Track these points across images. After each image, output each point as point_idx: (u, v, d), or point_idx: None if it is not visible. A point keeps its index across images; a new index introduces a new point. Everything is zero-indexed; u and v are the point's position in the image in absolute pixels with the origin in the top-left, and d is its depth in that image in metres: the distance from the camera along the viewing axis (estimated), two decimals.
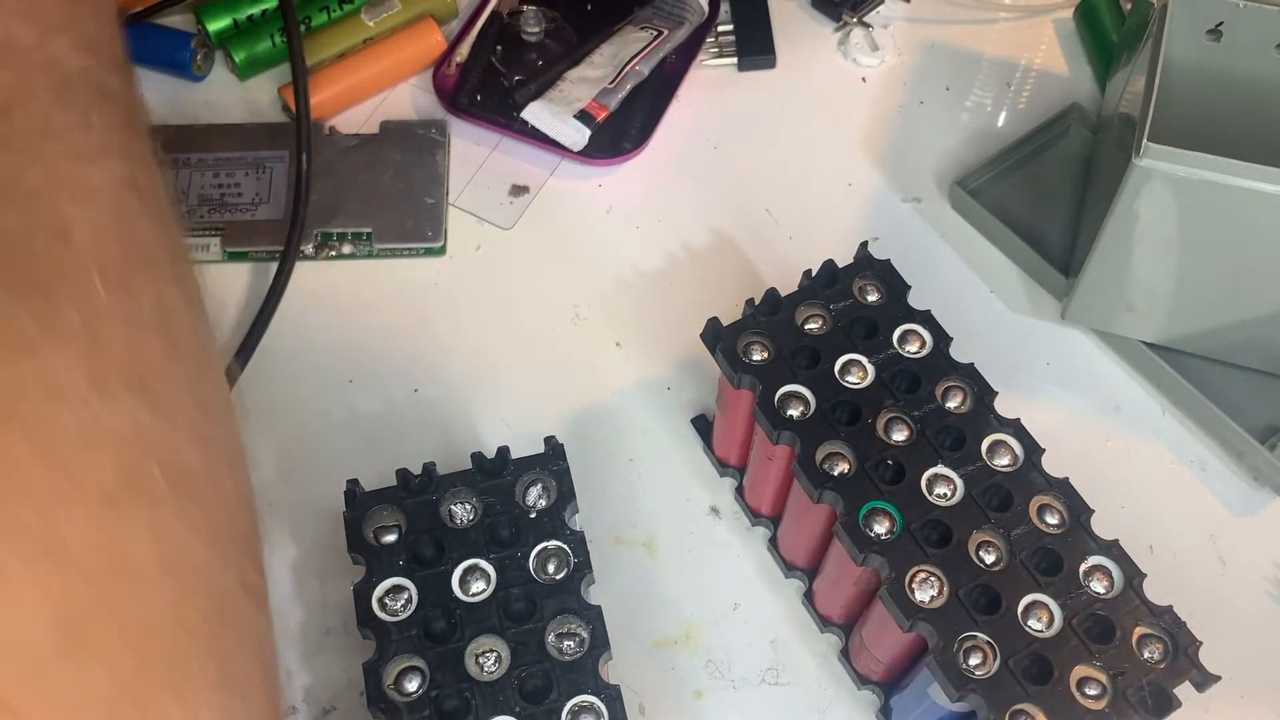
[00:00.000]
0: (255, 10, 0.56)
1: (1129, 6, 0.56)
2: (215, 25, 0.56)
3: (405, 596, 0.37)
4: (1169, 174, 0.40)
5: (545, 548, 0.38)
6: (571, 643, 0.36)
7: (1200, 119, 0.46)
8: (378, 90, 0.56)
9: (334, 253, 0.52)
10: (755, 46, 0.58)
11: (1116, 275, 0.45)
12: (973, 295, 0.51)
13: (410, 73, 0.57)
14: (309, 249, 0.51)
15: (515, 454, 0.39)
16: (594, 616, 0.36)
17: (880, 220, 0.53)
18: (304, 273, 0.51)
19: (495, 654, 0.36)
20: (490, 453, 0.40)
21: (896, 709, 0.41)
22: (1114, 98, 0.52)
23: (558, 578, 0.37)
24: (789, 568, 0.45)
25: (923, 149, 0.55)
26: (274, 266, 0.51)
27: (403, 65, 0.56)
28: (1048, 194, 0.53)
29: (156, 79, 0.57)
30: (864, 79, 0.58)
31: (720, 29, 0.58)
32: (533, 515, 0.38)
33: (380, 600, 0.37)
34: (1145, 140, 0.40)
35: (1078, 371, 0.49)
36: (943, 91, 0.57)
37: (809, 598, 0.44)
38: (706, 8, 0.58)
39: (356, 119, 0.56)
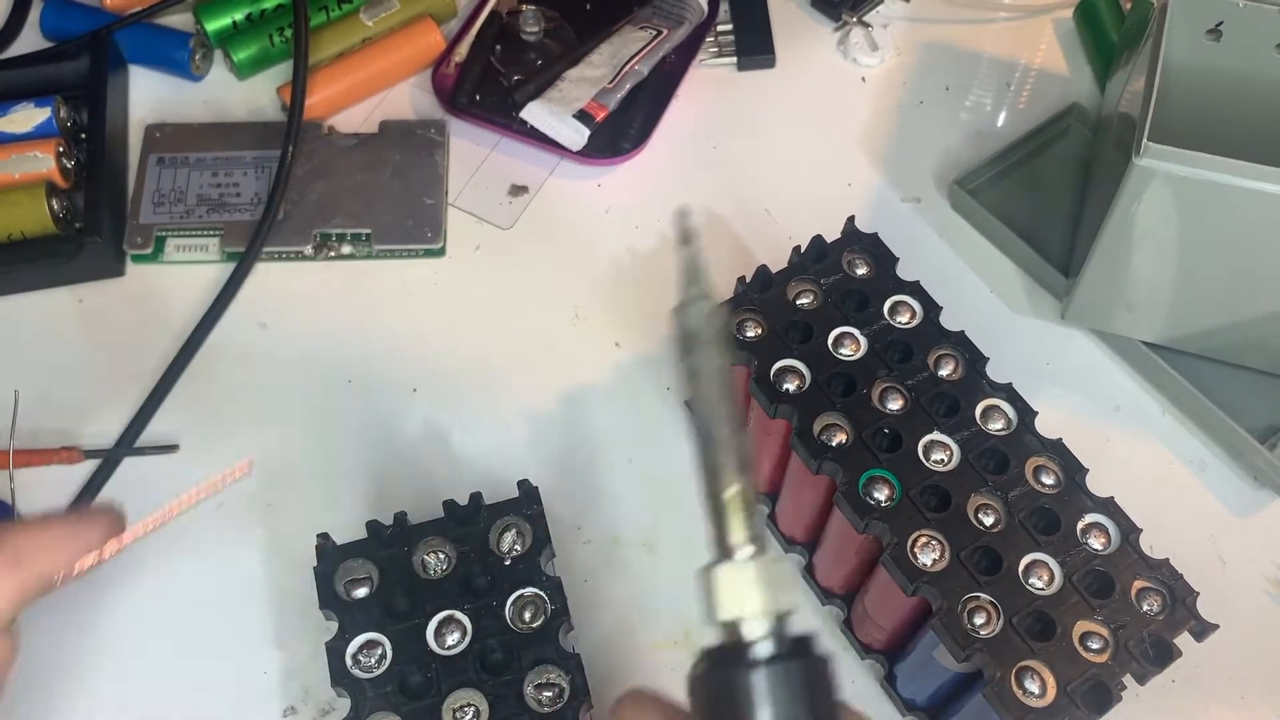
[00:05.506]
0: (254, 10, 0.56)
1: (1129, 6, 0.56)
2: (214, 25, 0.56)
3: (379, 652, 0.36)
4: (1169, 174, 0.40)
5: (522, 595, 0.37)
6: (550, 693, 0.35)
7: (1200, 119, 0.46)
8: (376, 90, 0.56)
9: (333, 253, 0.51)
10: (755, 46, 0.58)
11: (1116, 275, 0.45)
12: (973, 295, 0.51)
13: (409, 72, 0.57)
14: (308, 249, 0.51)
15: (509, 460, 0.39)
16: (573, 666, 0.36)
17: (880, 220, 0.52)
18: (303, 273, 0.51)
19: (473, 708, 0.35)
20: (468, 494, 0.39)
21: (901, 676, 0.41)
22: (1114, 97, 0.52)
23: (535, 626, 0.36)
24: (788, 543, 0.45)
25: (922, 149, 0.55)
26: (272, 267, 0.51)
27: (402, 65, 0.56)
28: (1047, 194, 0.53)
29: (155, 78, 0.57)
30: (863, 78, 0.58)
31: (720, 28, 0.58)
32: (507, 562, 0.37)
33: (354, 657, 0.36)
34: (1145, 140, 0.40)
35: (1078, 371, 0.49)
36: (942, 91, 0.57)
37: (809, 571, 0.44)
38: (706, 7, 0.58)
39: (355, 119, 0.56)
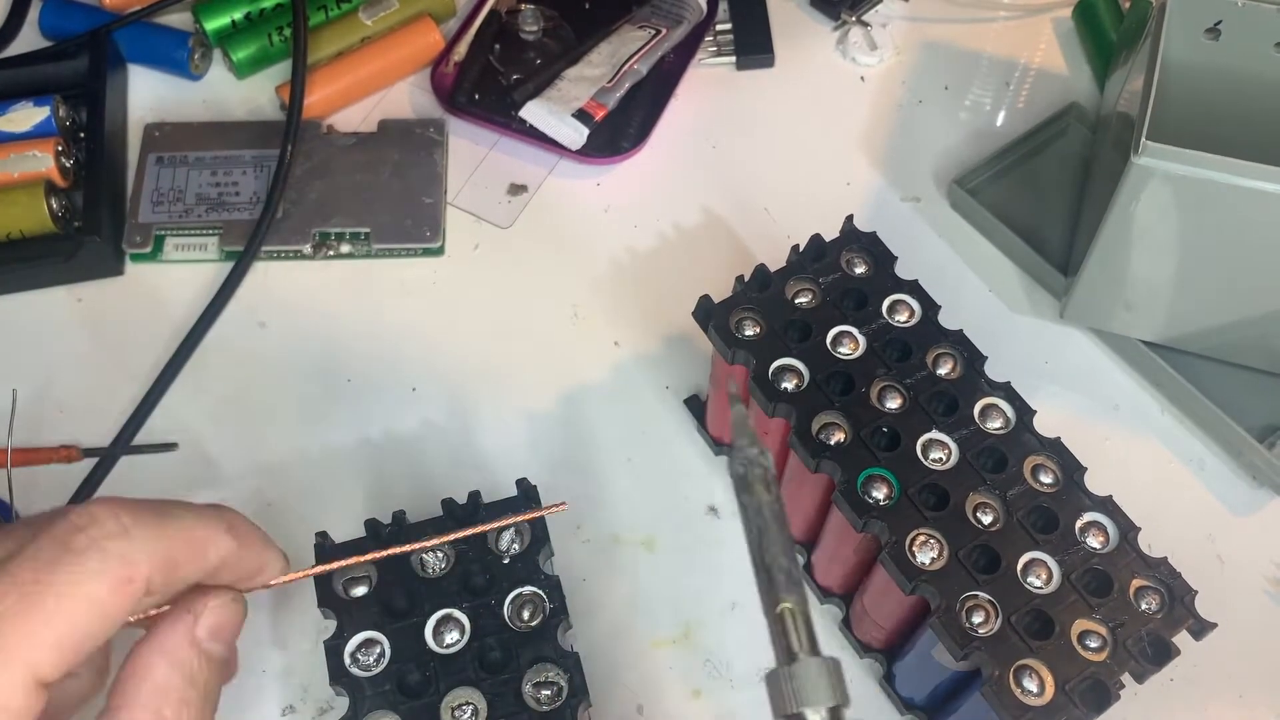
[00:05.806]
0: (253, 9, 0.56)
1: (1127, 5, 0.56)
2: (213, 24, 0.56)
3: (378, 650, 0.36)
4: (1168, 172, 0.40)
5: (520, 594, 0.37)
6: (549, 692, 0.35)
7: (1199, 118, 0.46)
8: (375, 89, 0.56)
9: (332, 252, 0.51)
10: (754, 45, 0.58)
11: (1115, 274, 0.45)
12: (972, 294, 0.51)
13: (408, 71, 0.57)
14: (307, 248, 0.51)
15: (508, 459, 0.39)
16: (572, 664, 0.36)
17: (879, 219, 0.52)
18: (302, 272, 0.51)
19: (472, 707, 0.35)
20: (469, 489, 0.39)
21: (900, 675, 0.41)
22: (1113, 97, 0.52)
23: (533, 624, 0.36)
24: None
25: (921, 148, 0.55)
26: (271, 266, 0.51)
27: (401, 64, 0.56)
28: (1047, 193, 0.53)
29: (154, 78, 0.57)
30: (862, 78, 0.58)
31: (719, 28, 0.58)
32: (506, 561, 0.37)
33: (353, 655, 0.36)
34: (1144, 139, 0.40)
35: (1076, 370, 0.49)
36: (941, 90, 0.57)
37: (808, 570, 0.44)
38: (705, 6, 0.58)
39: (354, 118, 0.56)
